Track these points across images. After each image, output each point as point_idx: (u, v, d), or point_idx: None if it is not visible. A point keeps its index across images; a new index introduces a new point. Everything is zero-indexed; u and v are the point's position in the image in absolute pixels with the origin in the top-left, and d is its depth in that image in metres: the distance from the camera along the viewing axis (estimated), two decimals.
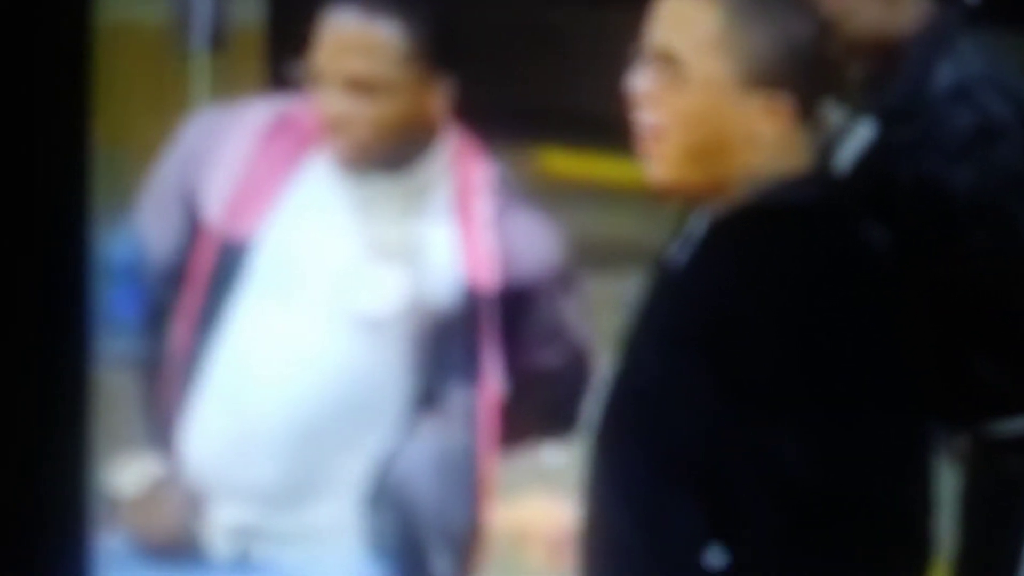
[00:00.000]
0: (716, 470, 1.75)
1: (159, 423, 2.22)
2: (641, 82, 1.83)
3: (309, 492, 2.18)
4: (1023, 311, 2.20)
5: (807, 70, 1.83)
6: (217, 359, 2.19)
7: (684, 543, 1.75)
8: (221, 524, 2.20)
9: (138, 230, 2.25)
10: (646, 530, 1.78)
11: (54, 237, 1.09)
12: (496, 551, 2.22)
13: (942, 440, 2.05)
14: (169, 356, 2.20)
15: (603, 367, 1.94)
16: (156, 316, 2.21)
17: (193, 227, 2.20)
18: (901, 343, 1.84)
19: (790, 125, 1.83)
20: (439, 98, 2.19)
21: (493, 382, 2.19)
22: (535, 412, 2.26)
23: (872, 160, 2.15)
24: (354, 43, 2.14)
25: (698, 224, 1.85)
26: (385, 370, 2.18)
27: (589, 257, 2.44)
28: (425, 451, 2.18)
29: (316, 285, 2.19)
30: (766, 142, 1.82)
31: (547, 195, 2.47)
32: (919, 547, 1.81)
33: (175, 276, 2.20)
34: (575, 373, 2.22)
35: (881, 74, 2.19)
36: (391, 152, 2.18)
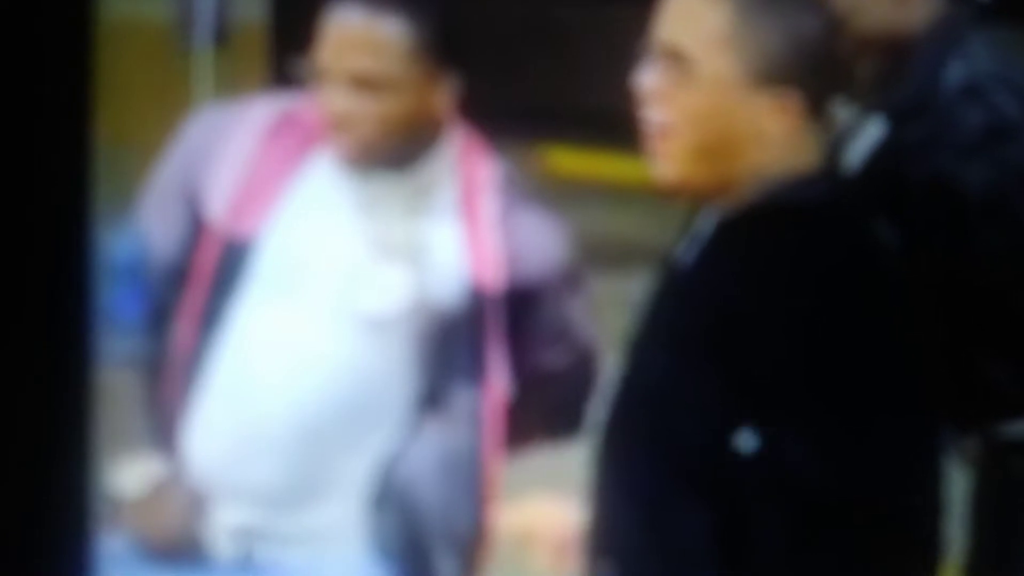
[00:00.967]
0: (724, 472, 1.74)
1: (162, 423, 2.21)
2: (648, 79, 1.82)
3: (313, 493, 2.18)
4: None
5: (816, 68, 1.82)
6: (220, 359, 2.18)
7: (691, 545, 1.75)
8: (224, 525, 2.19)
9: (141, 229, 2.25)
10: (653, 532, 1.77)
11: (56, 236, 1.08)
12: (501, 553, 2.21)
13: (952, 442, 2.04)
14: (172, 356, 2.20)
15: (609, 368, 1.94)
16: (159, 315, 2.21)
17: (196, 226, 2.20)
18: (911, 344, 1.83)
19: (799, 123, 1.82)
20: (444, 96, 2.18)
21: (498, 382, 2.19)
22: (541, 413, 2.25)
23: (882, 159, 2.14)
24: (358, 40, 2.14)
25: (705, 223, 1.84)
26: (389, 370, 2.17)
27: (595, 256, 2.44)
28: (430, 452, 2.17)
29: (320, 284, 2.18)
30: (775, 140, 1.81)
31: (553, 194, 2.46)
32: (928, 549, 1.81)
33: (178, 275, 2.19)
34: (581, 374, 2.22)
35: (891, 72, 2.17)
36: (396, 150, 2.18)
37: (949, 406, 1.98)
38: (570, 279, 2.24)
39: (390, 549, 2.18)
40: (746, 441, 1.73)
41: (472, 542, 2.20)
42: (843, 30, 1.91)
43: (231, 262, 2.17)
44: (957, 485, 2.08)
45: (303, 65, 2.16)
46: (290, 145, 2.22)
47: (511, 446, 2.22)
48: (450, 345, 2.17)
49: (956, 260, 2.14)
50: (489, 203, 2.20)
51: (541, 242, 2.21)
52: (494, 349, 2.18)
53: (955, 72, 2.16)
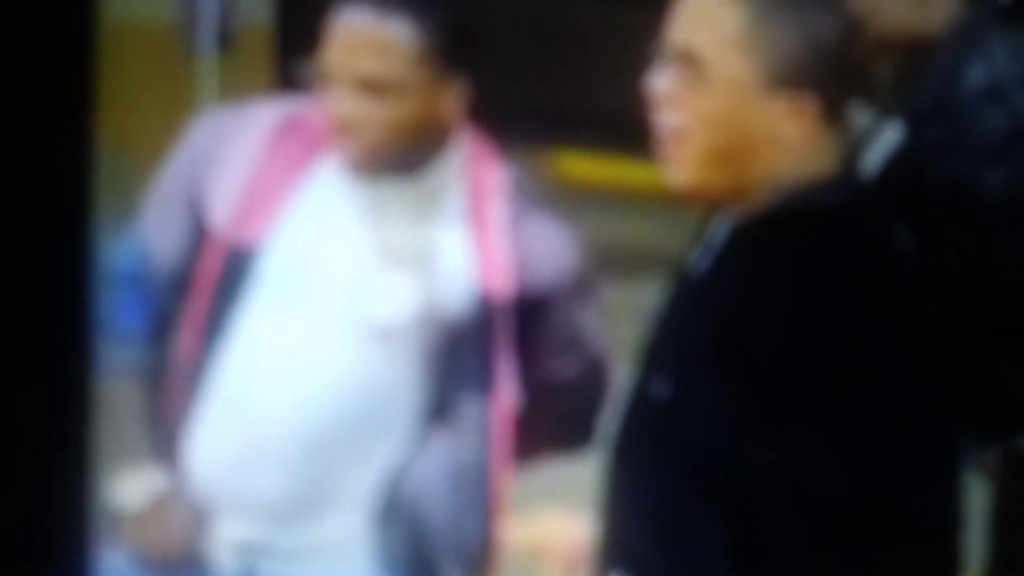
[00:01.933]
0: (739, 483, 1.73)
1: (163, 435, 2.20)
2: (661, 82, 1.81)
3: (317, 506, 2.16)
4: None
5: (833, 70, 1.81)
6: (223, 368, 2.17)
7: (704, 558, 1.73)
8: (227, 540, 2.18)
9: (143, 235, 2.24)
10: (666, 546, 1.76)
11: (56, 242, 1.06)
12: (510, 568, 2.19)
13: (971, 454, 2.01)
14: (174, 366, 2.19)
15: (621, 378, 1.92)
16: (161, 324, 2.20)
17: (199, 232, 2.19)
18: (929, 352, 1.81)
19: (815, 127, 1.81)
20: (453, 99, 2.17)
21: (507, 393, 2.17)
22: (551, 424, 2.23)
23: (900, 163, 2.12)
24: (365, 42, 2.13)
25: (720, 229, 1.83)
26: (396, 380, 2.16)
27: (607, 264, 2.42)
28: (437, 464, 2.16)
29: (325, 292, 2.17)
30: (791, 144, 1.80)
31: (564, 199, 2.45)
32: (948, 562, 1.79)
33: (180, 283, 2.18)
34: (592, 384, 2.20)
35: (910, 74, 2.15)
36: (403, 155, 2.16)
37: (968, 416, 1.96)
38: (581, 287, 2.23)
39: (396, 564, 2.17)
40: (761, 452, 1.71)
41: (480, 557, 2.19)
42: (860, 32, 1.89)
43: (235, 269, 2.16)
44: (976, 497, 2.05)
45: (309, 68, 2.15)
46: (295, 150, 2.20)
47: (520, 458, 2.21)
48: (458, 354, 2.16)
49: (975, 265, 2.11)
50: (498, 209, 2.19)
51: (551, 249, 2.20)
52: (503, 358, 2.16)
53: (975, 75, 2.13)
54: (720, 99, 1.78)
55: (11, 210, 1.04)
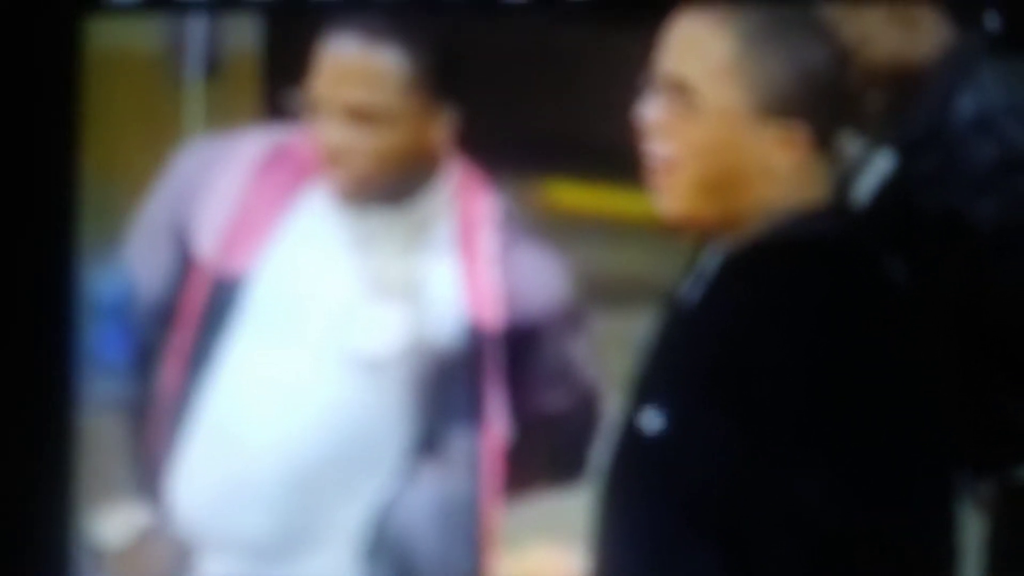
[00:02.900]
0: (732, 515, 1.72)
1: (147, 470, 2.19)
2: (652, 112, 1.82)
3: (304, 542, 2.15)
4: None
5: (824, 99, 1.82)
6: (208, 402, 2.17)
7: None
8: None
9: (127, 266, 2.23)
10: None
11: (39, 273, 1.04)
12: None
13: (967, 486, 2.00)
14: (158, 399, 2.18)
15: (612, 410, 1.91)
16: (145, 356, 2.19)
17: (185, 263, 2.19)
18: (924, 382, 1.80)
19: (806, 156, 1.82)
20: (442, 128, 2.17)
21: (497, 426, 2.17)
22: (541, 457, 2.23)
23: (892, 192, 2.11)
24: (354, 71, 2.13)
25: (711, 259, 1.83)
26: (384, 413, 2.16)
27: (598, 294, 2.41)
28: (426, 499, 2.15)
29: (313, 324, 2.17)
30: (782, 174, 1.80)
31: (554, 229, 2.44)
32: None
33: (165, 314, 2.18)
34: (583, 416, 2.20)
35: (901, 104, 2.15)
36: (392, 184, 2.16)
37: (964, 447, 1.95)
38: (572, 318, 2.22)
39: None
40: (755, 483, 1.70)
41: None
42: (851, 61, 1.89)
43: (221, 300, 2.16)
44: (972, 529, 2.04)
45: (297, 97, 2.15)
46: (283, 179, 2.20)
47: (511, 492, 2.20)
48: (447, 386, 2.15)
49: (968, 294, 2.10)
50: (488, 239, 2.18)
51: (541, 279, 2.20)
52: (493, 390, 2.16)
53: (966, 104, 2.14)
54: (711, 128, 1.79)
55: None
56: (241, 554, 2.14)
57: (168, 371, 2.16)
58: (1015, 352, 2.16)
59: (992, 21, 2.19)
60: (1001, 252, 2.11)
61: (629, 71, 1.94)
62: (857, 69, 1.94)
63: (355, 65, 2.14)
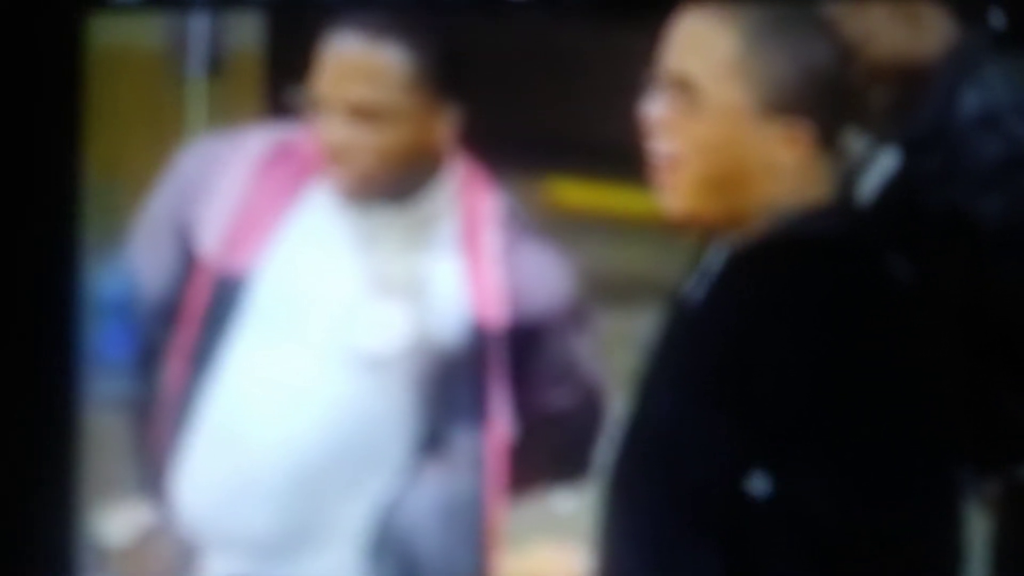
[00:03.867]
0: (735, 514, 1.71)
1: (150, 468, 2.18)
2: (656, 109, 1.81)
3: (307, 541, 2.15)
4: None
5: (828, 97, 1.81)
6: (211, 400, 2.16)
7: None
8: (215, 575, 2.15)
9: (130, 264, 2.22)
10: None
11: (43, 271, 1.03)
12: None
13: (972, 484, 1.99)
14: (162, 397, 2.18)
15: (617, 408, 1.91)
16: (149, 355, 2.19)
17: (188, 261, 2.18)
18: (928, 380, 1.80)
19: (811, 154, 1.81)
20: (445, 126, 2.17)
21: (501, 424, 2.16)
22: (545, 456, 2.22)
23: (897, 190, 2.11)
24: (357, 69, 2.13)
25: (716, 257, 1.82)
26: (388, 411, 2.15)
27: (602, 292, 2.41)
28: (430, 497, 2.14)
29: (316, 322, 2.16)
30: (786, 171, 1.80)
31: (558, 227, 2.43)
32: None
33: (169, 313, 2.18)
34: (587, 414, 2.19)
35: (905, 101, 2.14)
36: (395, 182, 2.16)
37: (968, 446, 1.94)
38: (576, 316, 2.22)
39: None
40: (759, 482, 1.70)
41: None
42: (855, 59, 1.88)
43: (224, 299, 2.15)
44: (977, 528, 2.03)
45: (300, 95, 2.15)
46: (286, 177, 2.19)
47: (515, 490, 2.19)
48: (451, 385, 2.15)
49: (973, 293, 2.10)
50: (491, 237, 2.18)
51: (545, 277, 2.19)
52: (497, 389, 2.15)
53: (971, 101, 2.13)
54: (715, 126, 1.79)
55: None
56: (245, 552, 2.14)
57: (171, 369, 2.16)
58: (1020, 350, 2.15)
59: (997, 18, 2.18)
60: (1006, 250, 2.10)
61: (633, 69, 1.94)
62: (861, 66, 1.94)
63: (358, 63, 2.13)
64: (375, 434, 2.15)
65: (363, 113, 2.12)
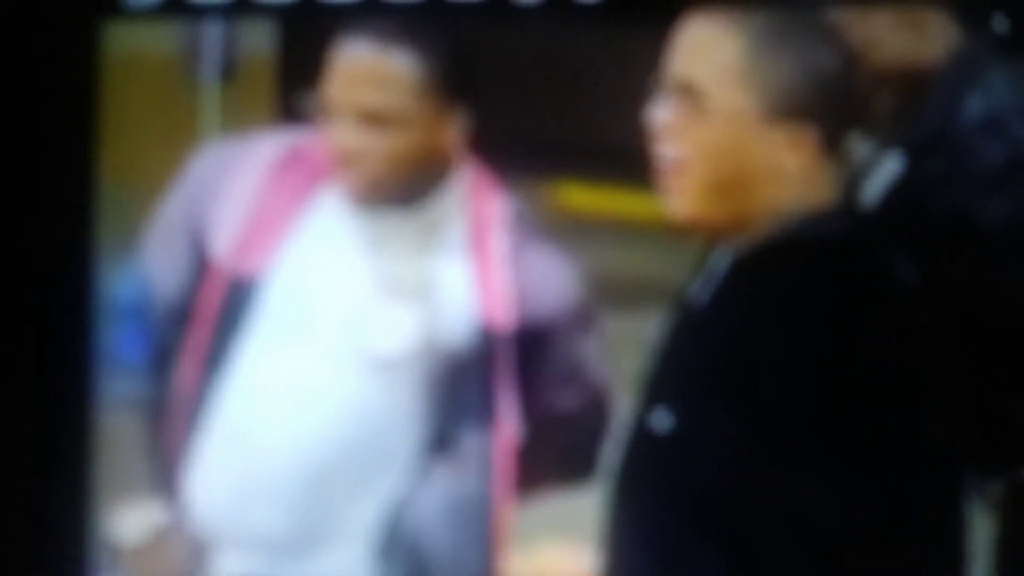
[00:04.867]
0: (741, 516, 1.72)
1: (163, 468, 2.19)
2: (662, 114, 1.82)
3: (318, 540, 2.16)
4: None
5: (832, 101, 1.82)
6: (224, 401, 2.17)
7: None
8: (227, 574, 2.17)
9: (144, 267, 2.23)
10: None
11: (58, 274, 1.05)
12: None
13: (975, 486, 2.00)
14: (175, 398, 2.18)
15: (623, 410, 1.91)
16: (162, 356, 2.19)
17: (201, 264, 2.19)
18: (932, 383, 1.80)
19: (815, 158, 1.81)
20: (454, 131, 2.17)
21: (509, 425, 2.17)
22: (552, 457, 2.23)
23: (901, 194, 2.11)
24: (367, 74, 2.14)
25: (721, 260, 1.83)
26: (397, 412, 2.16)
27: (608, 295, 2.41)
28: (438, 498, 2.15)
29: (327, 324, 2.17)
30: (791, 175, 1.80)
31: (565, 231, 2.44)
32: None
33: (182, 315, 2.18)
34: (594, 416, 2.20)
35: (909, 106, 2.15)
36: (404, 186, 2.16)
37: (972, 448, 1.95)
38: (582, 318, 2.22)
39: None
40: (762, 484, 1.70)
41: None
42: (859, 63, 1.89)
43: (236, 301, 2.16)
44: (980, 530, 2.04)
45: (311, 100, 2.16)
46: (297, 181, 2.20)
47: (522, 491, 2.20)
48: (459, 386, 2.15)
49: (977, 296, 2.10)
50: (499, 240, 2.19)
51: (552, 280, 2.20)
52: (504, 390, 2.16)
53: (974, 106, 2.13)
54: (720, 130, 1.79)
55: (13, 241, 1.04)
56: (256, 551, 2.14)
57: (184, 370, 2.17)
58: (1022, 353, 2.16)
59: (1000, 23, 2.19)
60: (1010, 253, 2.11)
61: (639, 74, 1.95)
62: (866, 71, 1.94)
63: (368, 68, 2.14)
64: (384, 435, 2.16)
65: (373, 118, 2.13)
